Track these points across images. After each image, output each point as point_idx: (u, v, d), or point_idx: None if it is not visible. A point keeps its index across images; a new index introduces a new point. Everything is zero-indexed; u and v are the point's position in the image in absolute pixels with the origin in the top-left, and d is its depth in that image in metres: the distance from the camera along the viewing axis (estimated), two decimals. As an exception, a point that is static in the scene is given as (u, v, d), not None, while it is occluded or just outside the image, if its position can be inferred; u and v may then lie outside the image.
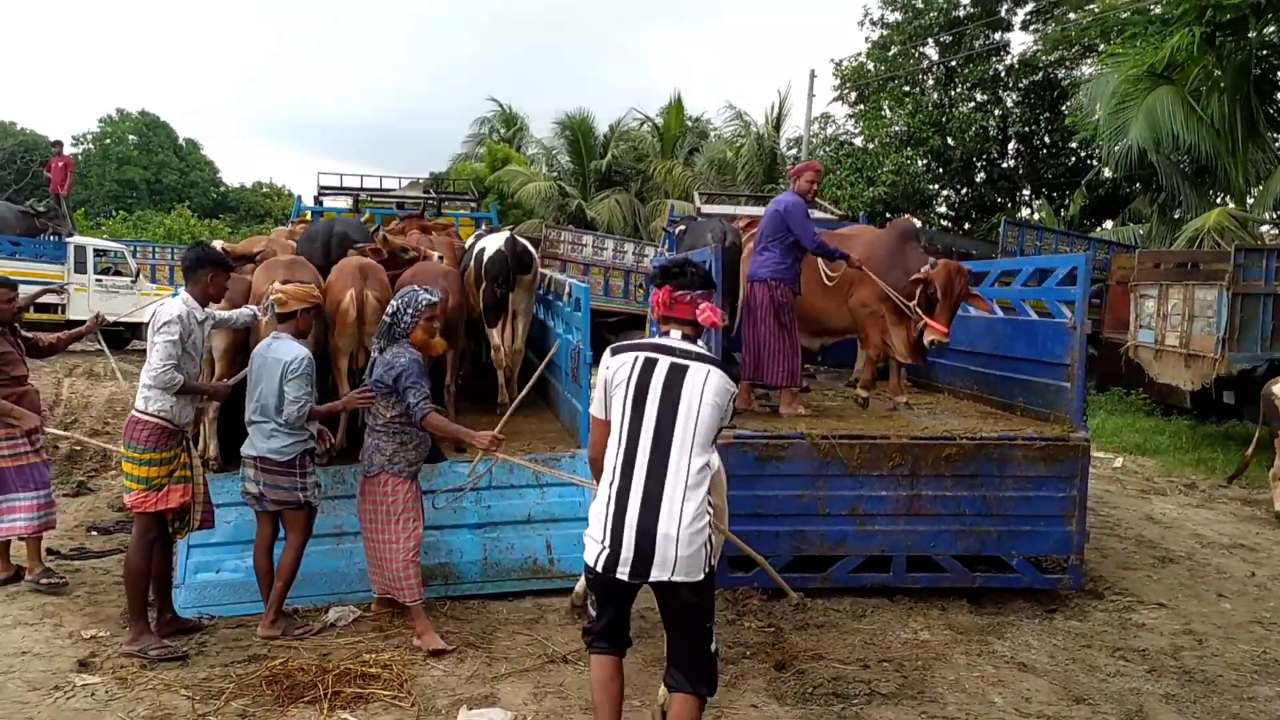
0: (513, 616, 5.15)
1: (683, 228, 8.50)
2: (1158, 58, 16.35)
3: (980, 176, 26.47)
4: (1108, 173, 22.24)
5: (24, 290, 6.75)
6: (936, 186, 26.34)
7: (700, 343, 3.33)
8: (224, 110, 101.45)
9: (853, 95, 26.84)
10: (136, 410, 4.48)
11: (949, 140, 24.24)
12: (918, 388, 8.25)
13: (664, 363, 3.14)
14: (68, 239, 16.64)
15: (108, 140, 55.72)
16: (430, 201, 9.72)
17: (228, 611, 5.04)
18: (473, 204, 11.38)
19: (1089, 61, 23.97)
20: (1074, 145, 24.45)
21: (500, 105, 36.86)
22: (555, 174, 32.94)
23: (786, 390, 6.23)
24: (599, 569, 3.08)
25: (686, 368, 3.13)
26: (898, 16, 25.79)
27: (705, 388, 3.10)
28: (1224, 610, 5.78)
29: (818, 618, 5.37)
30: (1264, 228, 18.15)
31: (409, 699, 3.99)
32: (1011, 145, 26.31)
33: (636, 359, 3.16)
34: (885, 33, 26.10)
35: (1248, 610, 5.78)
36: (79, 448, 8.56)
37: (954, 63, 25.35)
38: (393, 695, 4.01)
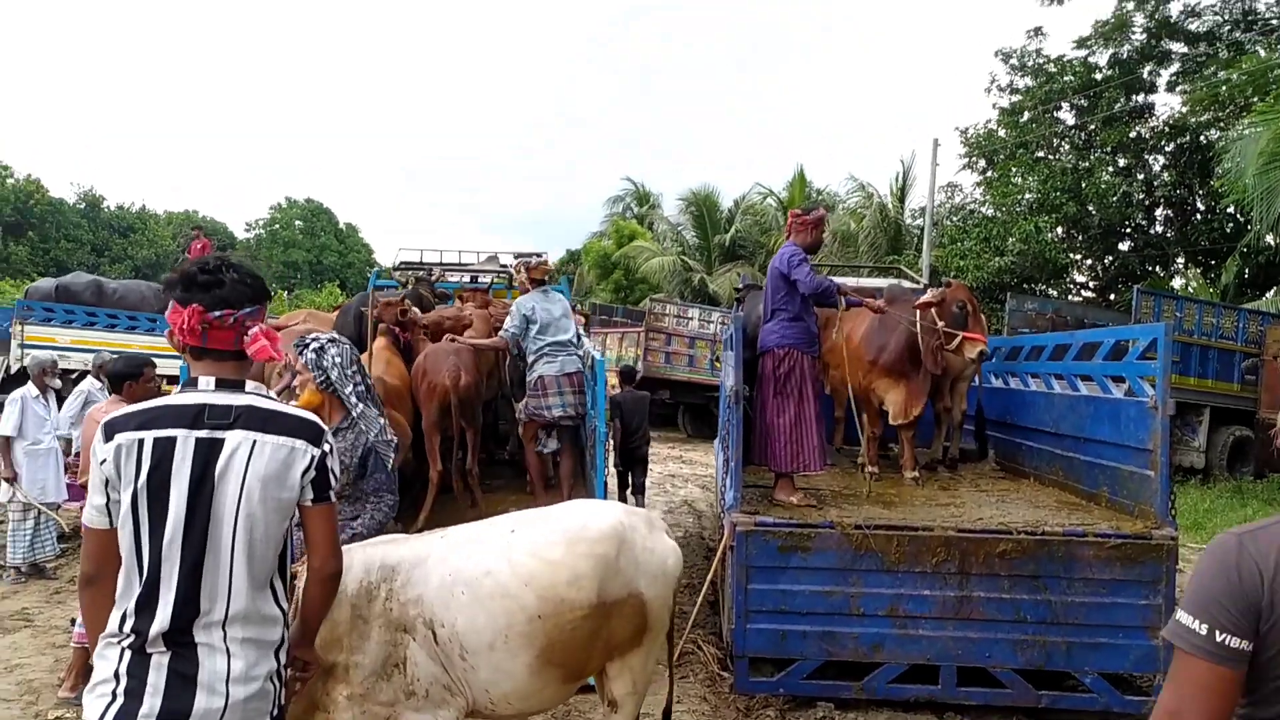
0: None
1: (743, 294, 8.12)
2: (1312, 112, 14.93)
3: (1125, 245, 24.79)
4: (1270, 239, 20.36)
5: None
6: (1079, 256, 24.82)
7: (257, 387, 2.31)
8: (386, 198, 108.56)
9: (981, 163, 25.82)
10: None
11: (1089, 207, 22.85)
12: (1004, 472, 7.46)
13: (185, 440, 2.15)
14: (202, 315, 17.74)
15: (276, 225, 60.37)
16: (498, 276, 9.72)
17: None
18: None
19: (1244, 122, 22.25)
20: (1230, 210, 22.58)
21: (634, 183, 37.98)
22: (680, 249, 33.17)
23: (784, 477, 5.61)
24: None
25: (219, 442, 2.16)
26: (1028, 81, 24.78)
27: (250, 471, 2.17)
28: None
29: (842, 734, 4.74)
30: None
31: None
32: (1160, 211, 24.58)
33: (141, 442, 2.13)
34: (1017, 98, 25.09)
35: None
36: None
37: (1092, 126, 24.05)
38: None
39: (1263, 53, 21.47)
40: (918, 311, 6.10)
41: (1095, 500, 5.85)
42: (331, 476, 2.33)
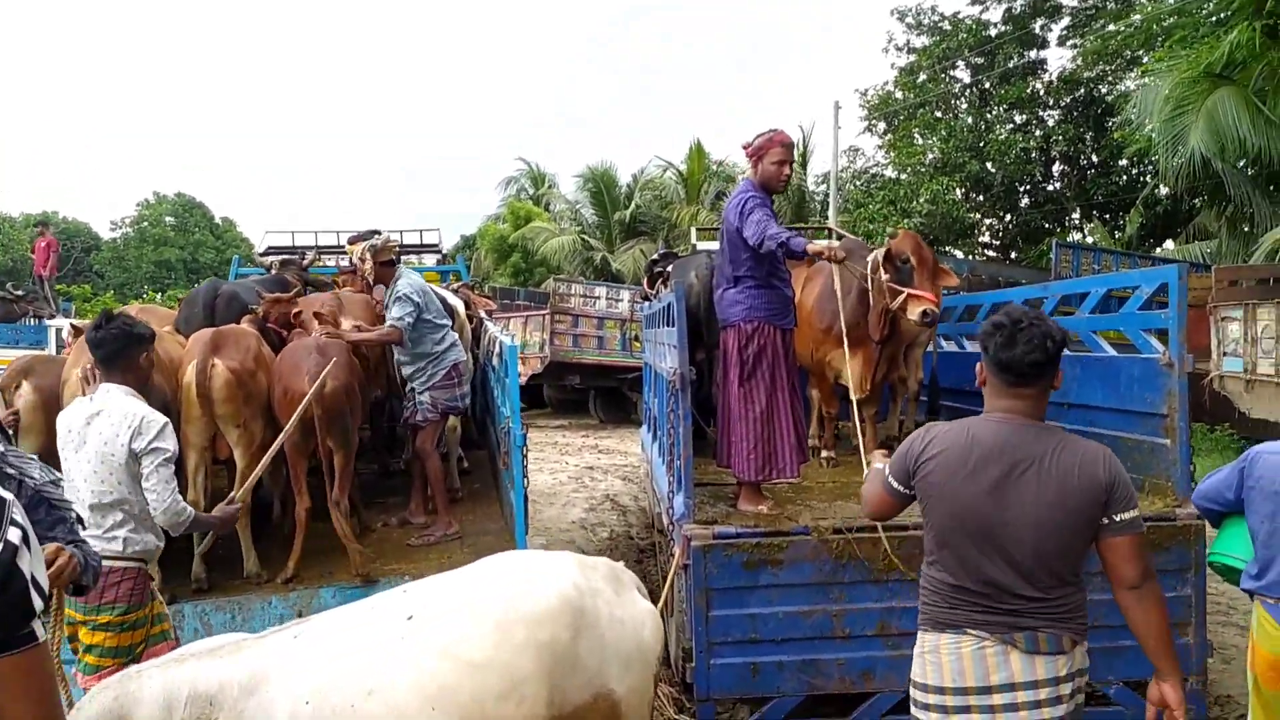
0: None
1: (662, 265, 7.14)
2: (1215, 57, 14.82)
3: (1024, 201, 24.86)
4: (1164, 189, 20.57)
5: None
6: (978, 215, 24.78)
7: None
8: (263, 193, 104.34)
9: (881, 125, 25.50)
10: (108, 557, 3.15)
11: (988, 165, 22.74)
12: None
13: None
14: (48, 322, 15.82)
15: (145, 223, 56.46)
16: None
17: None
18: (440, 256, 10.23)
19: (1133, 75, 22.47)
20: (1124, 162, 22.82)
21: (528, 164, 36.60)
22: (579, 228, 32.08)
23: (750, 484, 4.59)
24: None
25: None
26: (925, 40, 24.54)
27: None
28: None
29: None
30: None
31: None
32: (1056, 167, 24.71)
33: None
34: (913, 58, 24.82)
35: None
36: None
37: (988, 84, 23.95)
38: None
39: (1149, 4, 21.58)
40: (869, 268, 5.24)
41: (1089, 475, 5.10)
42: (34, 594, 1.24)
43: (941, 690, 2.35)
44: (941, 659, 2.36)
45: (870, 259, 5.30)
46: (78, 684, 3.17)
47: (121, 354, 3.34)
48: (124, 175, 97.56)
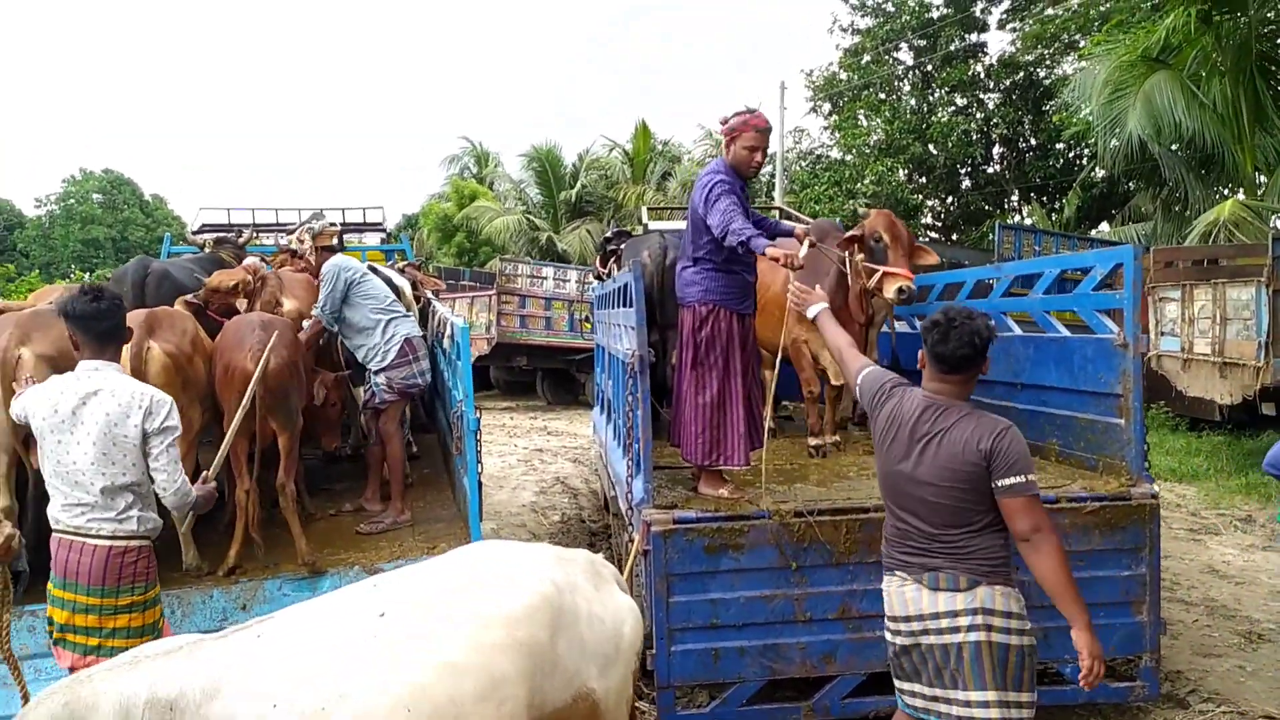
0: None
1: (615, 243, 6.99)
2: (1151, 41, 15.11)
3: (966, 183, 25.19)
4: (1100, 172, 21.01)
5: None
6: (921, 197, 25.04)
7: None
8: (195, 170, 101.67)
9: (826, 106, 25.58)
10: (122, 538, 3.11)
11: (930, 147, 22.95)
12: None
13: None
14: (-32, 303, 15.12)
15: (71, 200, 54.40)
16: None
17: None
18: (384, 234, 9.95)
19: (1070, 59, 22.85)
20: (1060, 146, 23.24)
21: (471, 142, 35.97)
22: (524, 207, 31.69)
23: (704, 470, 4.47)
24: None
25: None
26: (869, 22, 24.63)
27: None
28: (1360, 721, 4.25)
29: (801, 775, 3.81)
30: (1276, 218, 16.79)
31: None
32: (996, 149, 25.06)
33: None
34: (857, 39, 24.91)
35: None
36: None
37: (930, 66, 24.15)
38: None
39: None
40: (846, 252, 5.16)
41: (1043, 455, 5.12)
42: None
43: (891, 618, 3.00)
44: (886, 595, 3.03)
45: (843, 241, 5.22)
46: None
47: (119, 329, 3.26)
48: (48, 151, 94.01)
